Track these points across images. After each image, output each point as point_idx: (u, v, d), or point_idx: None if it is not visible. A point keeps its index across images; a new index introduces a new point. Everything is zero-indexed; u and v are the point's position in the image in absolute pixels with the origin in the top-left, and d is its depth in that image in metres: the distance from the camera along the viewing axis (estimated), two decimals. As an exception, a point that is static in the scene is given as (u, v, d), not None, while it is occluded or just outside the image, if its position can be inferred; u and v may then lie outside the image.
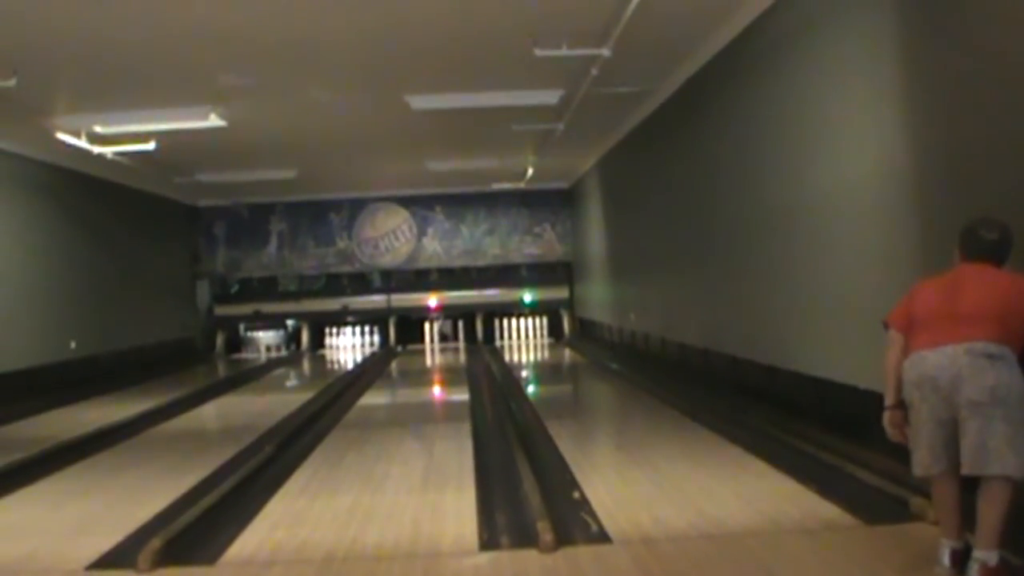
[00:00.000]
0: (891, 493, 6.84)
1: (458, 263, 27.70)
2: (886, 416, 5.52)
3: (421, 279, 28.00)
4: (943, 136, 7.28)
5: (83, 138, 15.63)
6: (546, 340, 27.63)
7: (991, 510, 5.03)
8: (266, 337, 28.19)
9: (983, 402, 5.04)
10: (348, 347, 27.91)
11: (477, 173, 23.09)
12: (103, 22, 10.47)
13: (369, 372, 20.61)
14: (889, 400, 5.52)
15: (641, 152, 17.48)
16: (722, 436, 9.89)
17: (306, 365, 24.92)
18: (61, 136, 15.34)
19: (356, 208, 27.42)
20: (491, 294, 27.63)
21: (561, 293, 27.66)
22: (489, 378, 17.61)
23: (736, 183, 12.09)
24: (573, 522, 6.81)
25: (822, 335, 9.70)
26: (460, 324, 28.07)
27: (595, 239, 23.60)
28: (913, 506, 6.36)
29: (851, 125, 8.79)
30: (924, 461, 5.29)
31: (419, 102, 14.44)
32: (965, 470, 5.12)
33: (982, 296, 5.23)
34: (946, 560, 5.23)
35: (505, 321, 27.99)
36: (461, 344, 27.55)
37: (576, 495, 7.66)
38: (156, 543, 6.24)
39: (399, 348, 27.05)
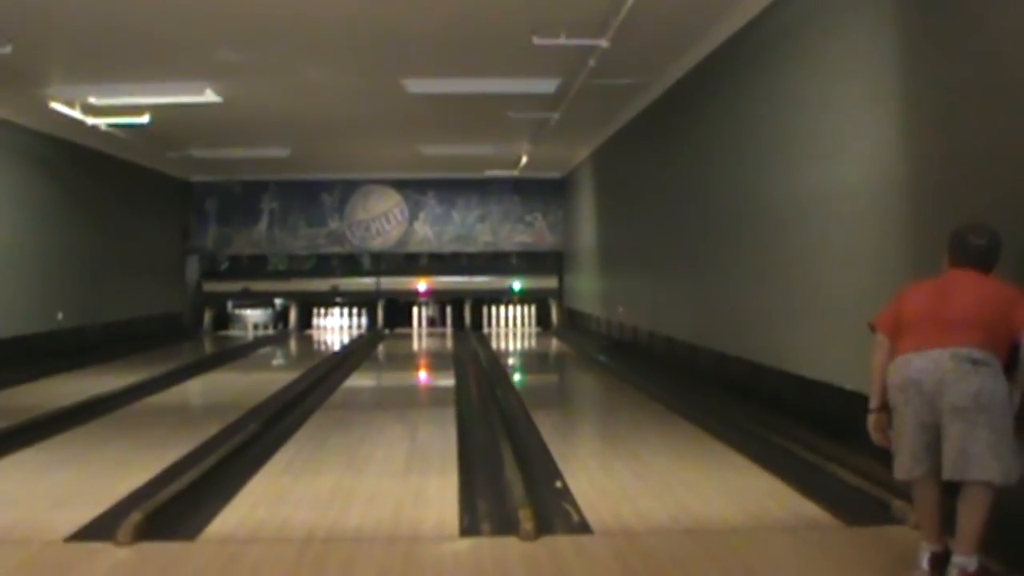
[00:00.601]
0: (873, 495, 6.85)
1: (448, 248, 27.71)
2: (870, 419, 5.52)
3: (411, 263, 28.02)
4: (938, 141, 7.28)
5: (77, 109, 15.62)
6: (534, 329, 27.66)
7: (971, 515, 5.04)
8: (254, 315, 28.18)
9: (967, 407, 5.03)
10: (336, 328, 27.91)
11: (471, 159, 23.09)
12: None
13: (356, 354, 20.58)
14: (874, 403, 5.51)
15: (636, 145, 17.48)
16: (707, 432, 9.90)
17: (293, 345, 24.89)
18: (55, 106, 15.31)
19: (348, 190, 27.40)
20: (480, 281, 27.64)
21: (550, 283, 27.69)
22: (475, 365, 17.60)
23: (730, 180, 12.10)
24: (554, 512, 6.80)
25: (810, 335, 9.71)
26: (448, 310, 28.07)
27: (586, 230, 23.60)
28: (894, 509, 6.37)
29: (847, 127, 8.79)
30: (906, 464, 5.29)
31: (415, 86, 14.45)
32: (947, 475, 5.12)
33: (970, 302, 5.22)
34: (925, 564, 5.23)
35: (493, 308, 28.00)
36: (448, 330, 27.53)
37: (558, 485, 7.66)
38: (136, 517, 6.22)
39: (387, 331, 27.04)
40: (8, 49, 11.62)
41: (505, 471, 7.91)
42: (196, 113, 16.29)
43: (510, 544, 6.03)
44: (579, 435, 11.33)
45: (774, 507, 6.93)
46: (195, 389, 15.32)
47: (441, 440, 9.89)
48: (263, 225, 27.46)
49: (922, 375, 5.16)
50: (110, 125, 16.74)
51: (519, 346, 24.57)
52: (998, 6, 6.47)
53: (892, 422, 5.39)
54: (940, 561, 5.19)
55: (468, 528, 6.49)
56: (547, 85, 14.37)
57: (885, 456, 5.65)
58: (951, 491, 5.19)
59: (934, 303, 5.32)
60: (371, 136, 20.65)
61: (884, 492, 6.69)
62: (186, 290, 27.24)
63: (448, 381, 15.56)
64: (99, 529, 6.38)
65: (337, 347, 23.59)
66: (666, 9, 10.97)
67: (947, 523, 5.23)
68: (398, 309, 28.05)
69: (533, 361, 21.87)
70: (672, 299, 15.28)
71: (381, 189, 27.44)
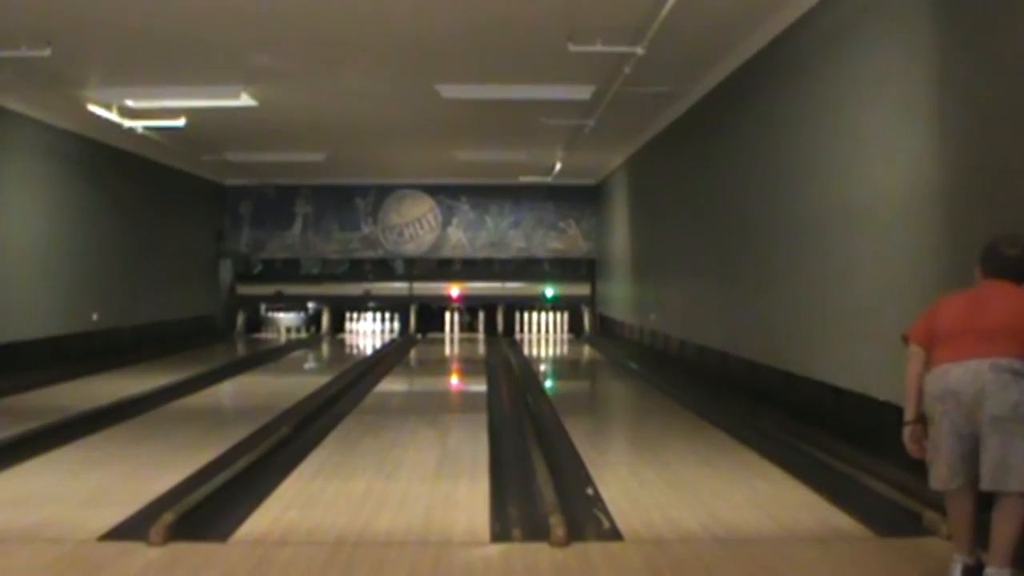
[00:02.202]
0: (905, 506, 6.82)
1: (482, 254, 27.74)
2: (906, 431, 5.46)
3: (444, 268, 28.06)
4: (974, 150, 7.26)
5: (114, 111, 15.72)
6: (566, 336, 27.61)
7: (1007, 526, 5.01)
8: (287, 319, 28.20)
9: (1006, 418, 5.01)
10: (368, 332, 27.90)
11: (505, 165, 23.11)
12: (140, -3, 10.56)
13: (388, 359, 20.60)
14: (909, 415, 5.46)
15: (670, 153, 17.46)
16: (737, 440, 9.87)
17: (325, 348, 24.94)
18: (93, 108, 15.41)
19: (382, 194, 27.46)
20: (513, 287, 27.63)
21: (583, 290, 27.67)
22: (507, 371, 17.60)
23: (763, 189, 12.07)
24: (585, 518, 6.80)
25: (842, 344, 9.68)
26: (481, 315, 28.02)
27: (619, 237, 23.58)
28: (926, 520, 6.33)
29: (882, 136, 8.77)
30: (942, 475, 5.25)
31: (449, 91, 14.46)
32: (984, 485, 5.09)
33: (1006, 312, 5.20)
34: (958, 576, 5.22)
35: (526, 314, 27.94)
36: (481, 335, 27.53)
37: (589, 491, 7.65)
38: (169, 517, 6.25)
39: (419, 336, 27.05)
40: (47, 52, 11.71)
41: (536, 477, 7.92)
42: (231, 117, 16.36)
43: (541, 550, 6.03)
44: (610, 442, 11.30)
45: (804, 517, 6.91)
46: (228, 391, 15.39)
47: (472, 445, 9.91)
48: (297, 229, 27.56)
49: (961, 385, 5.14)
50: (146, 128, 16.84)
51: (551, 352, 24.52)
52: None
53: (928, 433, 5.37)
54: (973, 573, 5.16)
55: (499, 534, 6.48)
56: (582, 92, 14.35)
57: (916, 467, 5.63)
58: (984, 502, 5.17)
59: (970, 313, 5.30)
60: (405, 141, 20.68)
61: (916, 503, 6.66)
62: (220, 293, 27.37)
63: (480, 387, 15.57)
64: (132, 529, 6.42)
65: (369, 351, 23.61)
66: (702, 18, 10.96)
67: (980, 535, 5.20)
68: (431, 314, 28.04)
69: (565, 368, 21.83)
70: (704, 307, 15.26)
71: (415, 194, 27.49)
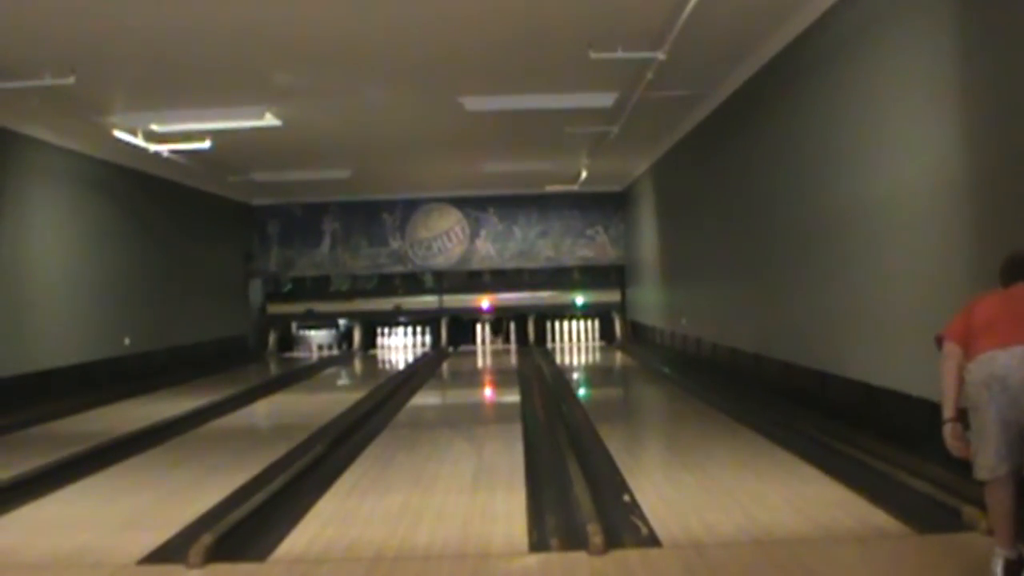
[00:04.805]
0: (943, 502, 6.78)
1: (511, 265, 27.76)
2: (946, 429, 5.38)
3: (473, 280, 28.07)
4: (999, 145, 7.22)
5: (139, 136, 15.80)
6: (597, 343, 27.60)
7: (1050, 515, 5.00)
8: (318, 336, 28.31)
9: (1052, 403, 5.01)
10: (400, 347, 27.96)
11: (530, 175, 23.12)
12: (161, 21, 10.59)
13: (420, 372, 20.62)
14: (948, 413, 5.39)
15: (695, 156, 17.43)
16: (773, 442, 9.83)
17: (357, 365, 24.95)
18: (118, 134, 15.50)
19: (409, 208, 27.54)
20: (543, 296, 27.65)
21: (613, 296, 27.67)
22: (540, 380, 17.58)
23: (790, 189, 12.04)
24: (623, 525, 6.78)
25: (874, 342, 9.64)
26: (512, 326, 28.04)
27: (648, 243, 23.55)
28: (965, 516, 6.30)
29: (908, 133, 8.73)
30: (990, 463, 5.19)
31: (473, 103, 14.47)
32: (1030, 471, 5.07)
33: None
34: (999, 570, 5.16)
35: (557, 323, 27.98)
36: (512, 346, 27.54)
37: (626, 498, 7.63)
38: (207, 539, 6.27)
39: (451, 349, 27.08)
40: (71, 80, 11.79)
41: (572, 486, 7.90)
42: (257, 137, 16.42)
43: (579, 559, 6.03)
44: (645, 448, 11.29)
45: (842, 516, 6.87)
46: (262, 411, 15.41)
47: (508, 456, 9.89)
48: (325, 246, 27.68)
49: (1008, 371, 5.12)
50: (172, 151, 16.91)
51: (583, 360, 24.48)
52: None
53: (971, 425, 5.32)
54: (1015, 568, 5.13)
55: (537, 544, 6.47)
56: (605, 99, 14.34)
57: (954, 462, 5.59)
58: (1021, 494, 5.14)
59: (1008, 306, 5.32)
60: (430, 155, 20.73)
61: (954, 499, 6.63)
62: (250, 313, 27.47)
63: (513, 397, 15.54)
64: (171, 552, 6.44)
65: (401, 366, 23.61)
66: (723, 20, 10.94)
67: (1021, 529, 5.17)
68: (462, 326, 28.10)
69: (597, 375, 21.80)
70: (735, 309, 15.22)
71: (442, 207, 27.56)
